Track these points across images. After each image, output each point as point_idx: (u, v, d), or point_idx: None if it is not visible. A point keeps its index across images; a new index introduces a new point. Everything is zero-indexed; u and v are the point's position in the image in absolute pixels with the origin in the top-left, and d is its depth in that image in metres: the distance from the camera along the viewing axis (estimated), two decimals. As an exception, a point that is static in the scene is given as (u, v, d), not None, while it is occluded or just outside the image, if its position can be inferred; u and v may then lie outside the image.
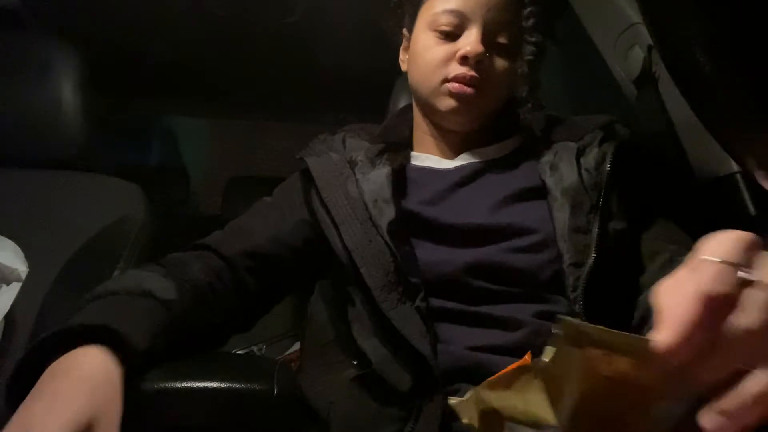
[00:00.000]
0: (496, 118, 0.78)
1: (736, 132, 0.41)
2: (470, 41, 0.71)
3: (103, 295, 0.59)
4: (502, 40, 0.73)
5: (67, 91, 1.00)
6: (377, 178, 0.73)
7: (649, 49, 0.86)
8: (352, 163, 0.76)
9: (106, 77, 1.23)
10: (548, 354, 0.36)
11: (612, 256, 0.64)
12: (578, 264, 0.64)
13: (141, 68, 1.78)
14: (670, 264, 0.64)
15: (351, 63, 1.62)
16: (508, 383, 0.43)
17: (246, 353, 1.41)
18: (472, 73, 0.71)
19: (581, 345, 0.34)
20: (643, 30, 0.87)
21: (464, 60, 0.72)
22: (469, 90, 0.72)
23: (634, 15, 0.90)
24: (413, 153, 0.81)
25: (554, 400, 0.37)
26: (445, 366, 0.60)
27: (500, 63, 0.73)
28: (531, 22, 0.72)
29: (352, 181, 0.74)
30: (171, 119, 2.69)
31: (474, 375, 0.58)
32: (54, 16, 1.40)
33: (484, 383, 0.45)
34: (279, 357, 1.38)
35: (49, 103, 0.99)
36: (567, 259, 0.64)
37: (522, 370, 0.41)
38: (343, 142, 0.82)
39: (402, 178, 0.76)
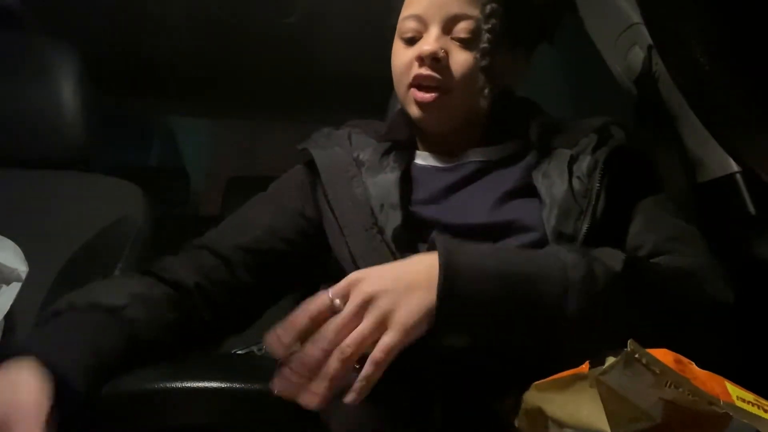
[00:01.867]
0: (497, 118, 0.78)
1: (736, 132, 0.41)
2: (426, 41, 0.72)
3: (52, 315, 0.61)
4: (461, 34, 0.72)
5: (67, 91, 1.00)
6: (385, 183, 0.73)
7: (649, 49, 0.86)
8: (359, 163, 0.76)
9: (106, 77, 1.23)
10: (611, 367, 0.38)
11: None
12: None
13: (141, 68, 1.78)
14: (649, 256, 0.65)
15: (351, 63, 1.62)
16: (560, 387, 0.44)
17: (246, 353, 1.41)
18: (429, 72, 0.72)
19: (645, 366, 0.36)
20: (643, 30, 0.87)
21: (421, 60, 0.72)
22: (428, 97, 0.73)
23: (634, 15, 0.90)
24: (417, 152, 0.81)
25: (610, 411, 0.38)
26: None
27: (461, 56, 0.72)
28: (488, 9, 0.71)
29: (358, 181, 0.73)
30: (171, 119, 2.69)
31: None
32: (54, 16, 1.40)
33: (533, 385, 0.47)
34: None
35: (49, 103, 0.99)
36: None
37: (577, 377, 0.42)
38: (349, 137, 0.81)
39: (407, 179, 0.76)
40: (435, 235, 0.57)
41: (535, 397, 0.47)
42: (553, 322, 0.51)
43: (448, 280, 0.51)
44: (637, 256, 0.58)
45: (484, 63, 0.72)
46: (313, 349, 0.48)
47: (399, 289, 0.51)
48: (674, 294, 0.57)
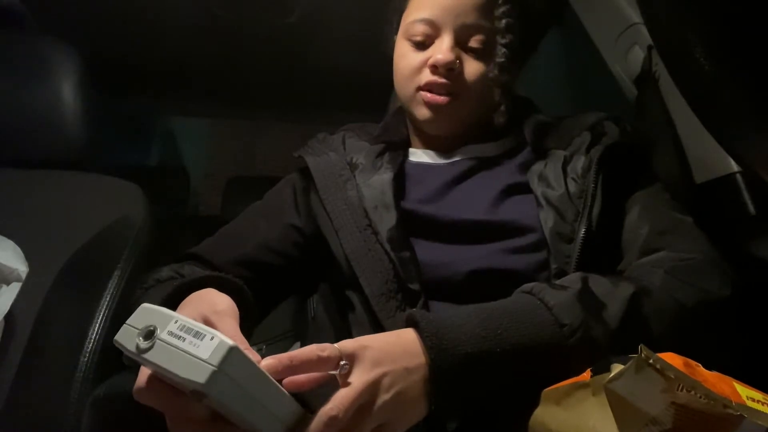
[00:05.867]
0: (493, 117, 0.78)
1: (736, 132, 0.41)
2: (441, 49, 0.72)
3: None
4: (474, 44, 0.73)
5: (67, 91, 1.00)
6: (378, 184, 0.73)
7: (649, 49, 0.85)
8: (353, 166, 0.77)
9: (106, 77, 1.23)
10: (620, 373, 0.37)
11: (594, 261, 0.64)
12: (561, 273, 0.64)
13: (141, 68, 1.78)
14: (641, 251, 0.65)
15: (351, 62, 1.62)
16: (560, 398, 0.44)
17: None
18: (443, 80, 0.72)
19: (658, 371, 0.36)
20: (643, 30, 0.87)
21: (435, 68, 0.72)
22: (440, 99, 0.73)
23: (634, 15, 0.90)
24: (411, 149, 0.82)
25: (620, 419, 0.38)
26: None
27: (474, 67, 0.73)
28: (503, 23, 0.71)
29: (352, 184, 0.74)
30: (171, 119, 2.69)
31: None
32: (54, 16, 1.40)
33: (542, 393, 0.46)
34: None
35: (49, 103, 0.99)
36: (553, 269, 0.65)
37: (578, 386, 0.42)
38: (343, 142, 0.82)
39: (401, 177, 0.76)
40: (417, 316, 0.52)
41: (539, 413, 0.46)
42: (551, 377, 0.49)
43: (442, 386, 0.49)
44: (636, 292, 0.55)
45: (503, 79, 0.72)
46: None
47: (398, 376, 0.47)
48: (674, 309, 0.56)
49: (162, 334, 0.36)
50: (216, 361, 0.34)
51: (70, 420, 0.76)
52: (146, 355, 0.36)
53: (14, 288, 0.77)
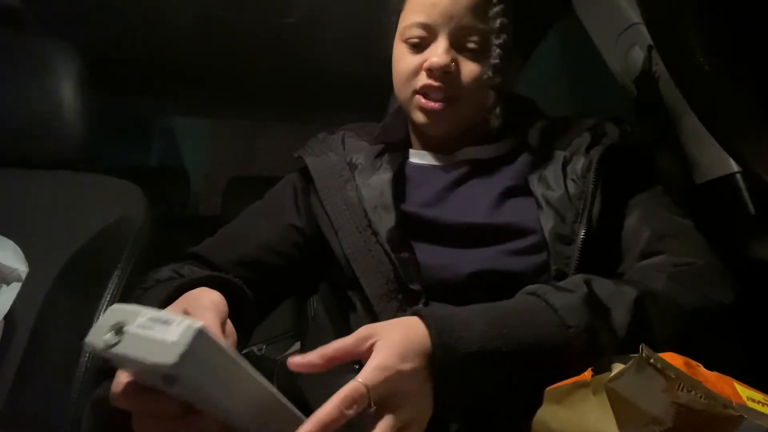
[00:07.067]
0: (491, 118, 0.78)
1: (736, 132, 0.41)
2: (436, 52, 0.72)
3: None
4: (470, 46, 0.73)
5: (67, 91, 1.00)
6: (377, 184, 0.73)
7: (649, 49, 0.85)
8: (352, 166, 0.77)
9: (106, 77, 1.23)
10: (621, 372, 0.37)
11: (594, 262, 0.64)
12: (561, 275, 0.64)
13: (141, 68, 1.78)
14: (641, 254, 0.65)
15: (351, 62, 1.62)
16: (560, 397, 0.44)
17: (246, 353, 1.41)
18: (439, 84, 0.72)
19: (659, 371, 0.36)
20: (643, 30, 0.87)
21: (430, 71, 0.72)
22: (436, 105, 0.73)
23: (634, 15, 0.90)
24: (411, 151, 0.82)
25: (620, 418, 0.38)
26: None
27: (470, 69, 0.73)
28: (497, 23, 0.71)
29: (351, 185, 0.74)
30: (171, 119, 2.69)
31: None
32: (54, 16, 1.40)
33: (545, 392, 0.46)
34: (279, 357, 1.38)
35: (49, 103, 0.99)
36: (553, 271, 0.65)
37: (578, 385, 0.42)
38: (343, 142, 0.82)
39: (401, 178, 0.76)
40: (421, 313, 0.52)
41: (541, 412, 0.46)
42: (554, 377, 0.49)
43: (447, 384, 0.49)
44: (640, 296, 0.55)
45: (497, 80, 0.72)
46: None
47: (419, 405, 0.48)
48: (677, 314, 0.56)
49: (131, 327, 0.36)
50: (184, 342, 0.34)
51: (70, 420, 0.76)
52: (114, 349, 0.36)
53: (14, 288, 0.77)
